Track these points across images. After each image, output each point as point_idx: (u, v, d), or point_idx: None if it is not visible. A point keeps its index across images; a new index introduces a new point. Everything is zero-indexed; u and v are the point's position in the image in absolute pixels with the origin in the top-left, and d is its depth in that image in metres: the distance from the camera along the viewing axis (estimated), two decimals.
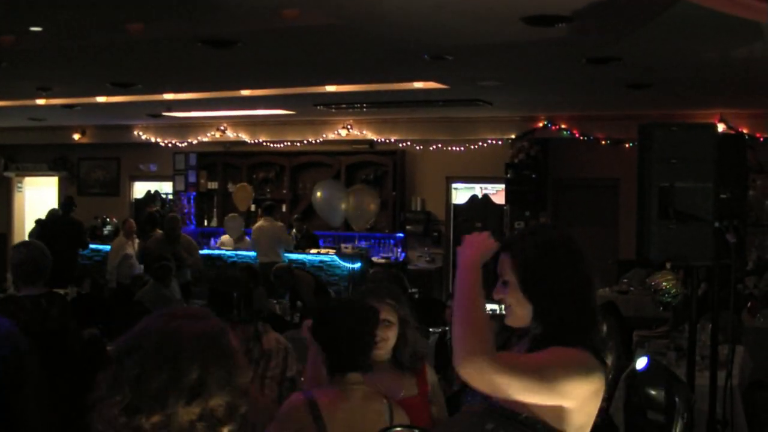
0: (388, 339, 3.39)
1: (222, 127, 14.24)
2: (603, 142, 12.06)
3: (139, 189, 16.16)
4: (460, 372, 2.24)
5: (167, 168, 15.08)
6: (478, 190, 14.27)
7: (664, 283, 6.70)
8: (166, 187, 15.57)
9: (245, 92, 10.62)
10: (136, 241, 11.95)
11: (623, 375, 4.76)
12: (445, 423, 2.54)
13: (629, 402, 4.52)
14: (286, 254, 12.20)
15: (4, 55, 7.90)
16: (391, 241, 13.57)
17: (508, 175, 12.55)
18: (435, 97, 10.53)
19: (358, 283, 11.76)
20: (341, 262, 12.70)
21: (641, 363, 4.47)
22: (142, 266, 10.95)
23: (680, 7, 5.52)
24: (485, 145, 12.82)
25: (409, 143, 13.40)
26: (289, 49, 7.47)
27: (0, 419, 2.87)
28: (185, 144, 14.77)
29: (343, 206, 12.30)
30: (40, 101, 11.51)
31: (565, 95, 10.35)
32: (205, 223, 14.83)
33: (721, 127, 10.61)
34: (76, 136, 15.45)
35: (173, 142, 14.85)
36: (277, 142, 14.09)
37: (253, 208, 14.24)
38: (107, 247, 13.50)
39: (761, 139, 10.93)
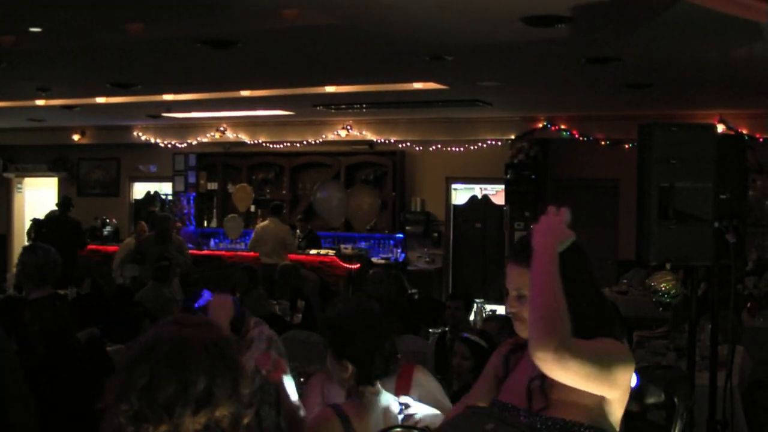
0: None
1: (222, 128, 14.24)
2: (603, 143, 12.07)
3: (139, 190, 16.17)
4: (536, 356, 2.20)
5: (167, 169, 15.08)
6: (477, 190, 14.28)
7: (663, 284, 6.71)
8: (165, 188, 15.58)
9: (245, 93, 10.62)
10: None
11: None
12: (445, 423, 2.53)
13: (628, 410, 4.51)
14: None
15: (3, 56, 7.90)
16: (391, 242, 13.58)
17: (508, 176, 12.55)
18: (434, 98, 10.53)
19: (358, 284, 11.76)
20: (341, 263, 12.70)
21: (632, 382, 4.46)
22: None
23: (680, 8, 5.52)
24: (485, 145, 12.82)
25: (408, 144, 13.40)
26: (289, 50, 7.47)
27: None
28: (185, 145, 14.77)
29: (343, 207, 12.29)
30: (40, 102, 11.51)
31: (564, 95, 10.35)
32: (205, 224, 14.82)
33: (720, 128, 10.61)
34: (76, 137, 15.46)
35: (173, 142, 14.85)
36: (276, 143, 14.09)
37: (252, 208, 14.24)
38: (107, 248, 13.53)
39: (761, 140, 10.93)
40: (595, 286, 2.43)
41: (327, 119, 13.29)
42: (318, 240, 13.28)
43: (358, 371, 2.93)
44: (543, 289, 2.27)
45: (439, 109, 11.61)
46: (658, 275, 6.89)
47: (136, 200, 15.93)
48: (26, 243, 12.78)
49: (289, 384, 3.31)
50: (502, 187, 12.83)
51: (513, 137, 12.55)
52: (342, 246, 13.24)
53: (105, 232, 14.87)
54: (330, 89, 10.17)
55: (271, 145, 14.16)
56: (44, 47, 7.44)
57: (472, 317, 7.56)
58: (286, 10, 6.12)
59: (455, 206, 13.76)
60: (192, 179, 14.80)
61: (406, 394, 3.32)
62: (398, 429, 2.87)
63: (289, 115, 12.97)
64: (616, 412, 2.33)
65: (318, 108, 11.76)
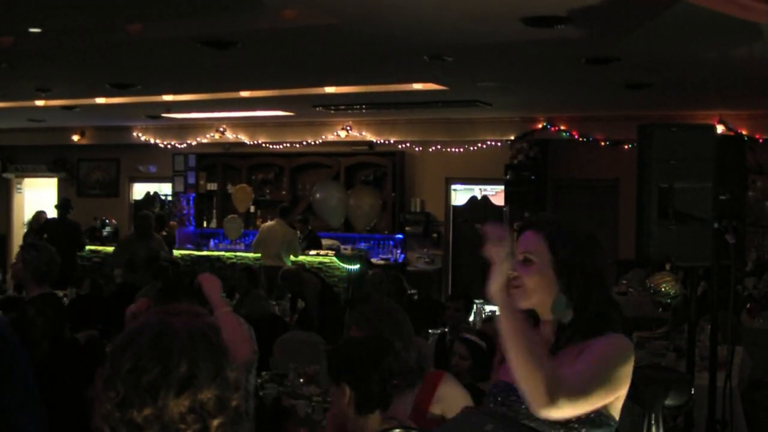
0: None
1: (221, 129, 14.24)
2: (602, 143, 12.07)
3: (139, 190, 16.17)
4: (539, 414, 2.20)
5: (166, 169, 15.08)
6: (477, 191, 14.27)
7: (663, 284, 6.71)
8: (165, 189, 15.58)
9: (244, 93, 10.62)
10: None
11: None
12: (445, 423, 2.53)
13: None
14: None
15: (3, 56, 7.90)
16: (391, 243, 13.57)
17: (508, 176, 12.55)
18: (434, 98, 10.52)
19: (358, 285, 11.76)
20: (340, 264, 12.70)
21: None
22: None
23: (680, 8, 5.52)
24: (484, 146, 12.82)
25: (408, 144, 13.40)
26: (289, 50, 7.47)
27: None
28: (184, 145, 14.77)
29: (343, 207, 12.29)
30: (40, 102, 11.51)
31: (564, 96, 10.35)
32: (205, 225, 14.82)
33: (720, 128, 10.61)
34: (76, 138, 15.46)
35: (172, 143, 14.85)
36: (276, 144, 14.09)
37: (252, 209, 14.24)
38: (107, 249, 13.51)
39: (760, 140, 10.93)
40: (605, 270, 2.45)
41: (326, 120, 13.29)
42: (319, 240, 13.27)
43: (356, 397, 2.84)
44: (515, 351, 2.24)
45: (439, 110, 11.61)
46: (657, 275, 6.89)
47: (136, 201, 15.93)
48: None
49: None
50: (502, 187, 12.83)
51: (513, 138, 12.55)
52: (341, 246, 13.24)
53: (104, 233, 14.87)
54: (330, 90, 10.17)
55: (270, 146, 14.16)
56: (44, 48, 7.44)
57: (471, 318, 7.57)
58: (285, 10, 6.12)
59: (455, 207, 13.76)
60: (191, 180, 14.79)
61: (427, 408, 3.22)
62: (398, 429, 2.86)
63: (288, 116, 12.97)
64: (618, 402, 2.35)
65: (317, 109, 11.75)
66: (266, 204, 14.14)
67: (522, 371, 2.20)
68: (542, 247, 2.41)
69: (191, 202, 14.82)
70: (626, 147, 11.50)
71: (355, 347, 2.97)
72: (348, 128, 13.37)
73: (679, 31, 6.37)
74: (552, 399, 2.14)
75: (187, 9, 6.17)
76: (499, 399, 2.44)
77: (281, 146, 14.09)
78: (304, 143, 13.82)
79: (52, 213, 13.92)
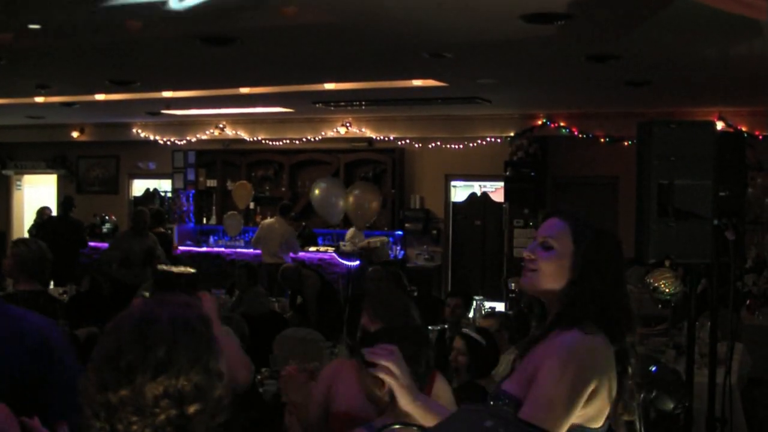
0: None
1: (221, 125, 14.23)
2: (602, 140, 12.06)
3: (138, 187, 16.17)
4: None
5: (166, 166, 15.08)
6: (477, 187, 14.27)
7: (663, 281, 6.71)
8: (165, 185, 15.58)
9: (244, 90, 10.61)
10: None
11: None
12: (444, 421, 2.52)
13: None
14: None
15: (2, 53, 7.89)
16: (390, 239, 13.57)
17: (507, 173, 12.55)
18: (434, 95, 10.52)
19: (357, 281, 11.77)
20: (340, 260, 12.70)
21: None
22: None
23: (679, 5, 5.52)
24: (484, 142, 12.82)
25: (407, 141, 13.40)
26: (288, 47, 7.46)
27: (27, 410, 2.89)
28: (184, 142, 14.77)
29: (342, 204, 12.29)
30: (39, 99, 11.49)
31: (564, 93, 10.34)
32: (204, 221, 14.83)
33: (720, 125, 10.60)
34: (75, 134, 15.45)
35: (172, 139, 14.85)
36: (275, 140, 14.09)
37: (252, 205, 14.24)
38: (106, 245, 13.50)
39: (760, 137, 10.92)
40: (621, 287, 2.47)
41: (326, 116, 13.29)
42: (314, 237, 13.28)
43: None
44: None
45: (439, 107, 11.61)
46: (657, 273, 6.89)
47: (136, 197, 15.93)
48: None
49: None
50: (502, 184, 12.83)
51: (512, 134, 12.55)
52: (341, 243, 13.24)
53: (104, 230, 14.86)
54: (329, 86, 10.16)
55: (270, 143, 14.15)
56: (43, 44, 7.44)
57: (471, 314, 7.57)
58: (285, 7, 6.11)
59: (454, 203, 13.76)
60: (191, 176, 14.80)
61: None
62: (397, 426, 2.87)
63: (288, 113, 12.97)
64: (593, 410, 2.32)
65: (317, 105, 11.75)
66: (266, 201, 14.15)
67: None
68: (566, 235, 2.41)
69: (191, 199, 14.82)
70: (626, 144, 11.50)
71: (407, 331, 3.03)
72: (347, 125, 13.36)
73: (679, 28, 6.37)
74: None
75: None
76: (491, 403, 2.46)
77: (281, 143, 14.08)
78: (304, 140, 13.81)
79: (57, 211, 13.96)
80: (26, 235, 13.88)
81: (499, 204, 13.08)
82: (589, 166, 12.41)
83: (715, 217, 4.45)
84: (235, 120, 14.09)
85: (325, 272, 11.86)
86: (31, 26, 6.70)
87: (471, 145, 12.92)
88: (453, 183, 13.84)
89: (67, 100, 11.71)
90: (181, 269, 3.72)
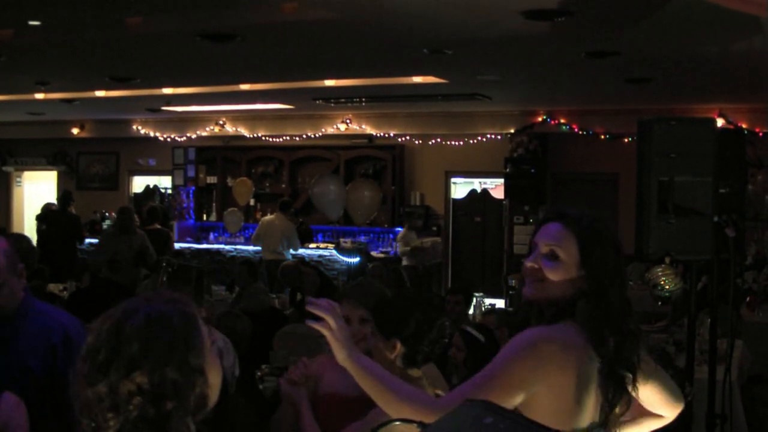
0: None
1: (221, 122, 14.23)
2: (602, 137, 12.06)
3: (138, 183, 16.17)
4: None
5: (166, 162, 15.08)
6: (477, 184, 14.27)
7: (663, 278, 6.70)
8: (165, 182, 15.58)
9: (244, 86, 10.60)
10: None
11: None
12: (443, 417, 2.52)
13: None
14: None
15: (2, 49, 7.89)
16: (390, 236, 13.57)
17: (507, 170, 12.54)
18: (434, 92, 10.51)
19: (357, 278, 11.76)
20: (340, 257, 12.70)
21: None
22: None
23: (680, 2, 5.52)
24: (484, 139, 12.81)
25: (408, 138, 13.40)
26: (288, 44, 7.46)
27: (45, 405, 2.91)
28: (184, 138, 14.76)
29: (342, 200, 12.29)
30: (39, 95, 11.49)
31: (564, 90, 10.34)
32: (204, 218, 14.83)
33: (720, 122, 10.59)
34: (75, 131, 15.45)
35: (172, 136, 14.84)
36: (276, 137, 14.09)
37: (252, 202, 14.24)
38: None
39: (760, 134, 10.92)
40: (624, 284, 2.45)
41: (326, 113, 13.28)
42: (310, 234, 13.27)
43: (405, 352, 2.98)
44: (384, 395, 2.34)
45: (439, 103, 11.60)
46: (657, 269, 6.88)
47: (136, 194, 15.93)
48: (36, 237, 12.77)
49: None
50: (502, 181, 12.82)
51: (512, 131, 12.54)
52: (341, 240, 13.24)
53: (104, 226, 14.85)
54: (329, 83, 10.16)
55: (270, 139, 14.15)
56: (43, 40, 7.43)
57: (471, 311, 7.57)
58: (285, 4, 6.11)
59: (455, 200, 13.76)
60: (191, 173, 14.80)
61: None
62: (397, 422, 2.87)
63: (288, 109, 12.96)
64: (536, 404, 2.27)
65: (317, 102, 11.75)
66: (266, 197, 14.15)
67: (395, 407, 2.30)
68: (572, 245, 2.36)
69: (191, 196, 14.83)
70: (626, 140, 11.50)
71: (413, 303, 3.07)
72: (348, 121, 13.36)
73: (679, 25, 6.36)
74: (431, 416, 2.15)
75: (186, 2, 6.16)
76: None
77: (281, 139, 14.08)
78: (304, 136, 13.80)
79: None
80: (32, 227, 13.88)
81: (499, 201, 13.07)
82: (590, 163, 12.41)
83: (716, 213, 4.44)
84: (235, 116, 14.08)
85: (324, 269, 11.89)
86: (32, 22, 6.69)
87: (471, 141, 12.91)
88: (453, 179, 13.84)
89: (67, 97, 11.71)
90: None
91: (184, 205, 14.77)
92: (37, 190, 16.93)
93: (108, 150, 16.05)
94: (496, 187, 13.69)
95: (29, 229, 15.89)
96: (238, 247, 13.66)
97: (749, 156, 6.04)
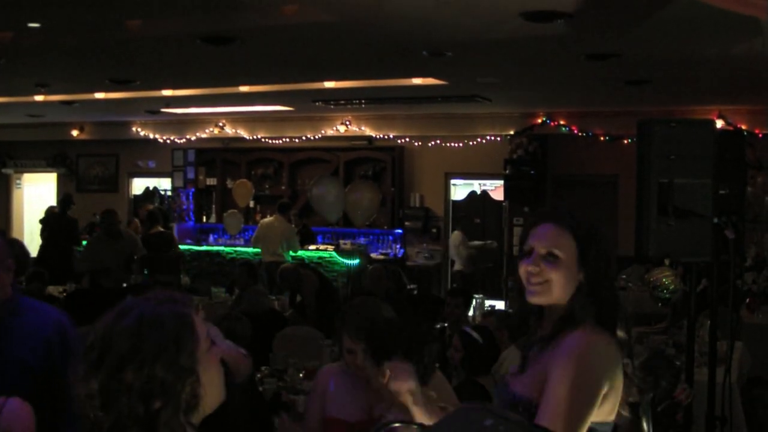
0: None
1: (220, 124, 14.23)
2: (602, 138, 12.06)
3: (138, 185, 16.18)
4: None
5: (166, 164, 15.08)
6: (476, 186, 14.27)
7: (662, 280, 6.71)
8: (164, 184, 15.58)
9: (244, 89, 10.60)
10: None
11: None
12: (443, 419, 2.52)
13: None
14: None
15: (2, 52, 7.89)
16: (390, 238, 13.58)
17: (507, 171, 12.55)
18: (434, 94, 10.52)
19: (357, 280, 11.76)
20: (340, 259, 12.70)
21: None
22: None
23: (679, 4, 5.52)
24: (484, 141, 12.82)
25: (407, 139, 13.40)
26: (288, 46, 7.46)
27: (42, 400, 2.92)
28: (184, 140, 14.76)
29: (341, 202, 12.28)
30: (39, 97, 11.49)
31: (564, 91, 10.34)
32: (204, 220, 14.82)
33: (720, 124, 10.60)
34: (75, 133, 15.45)
35: (172, 138, 14.84)
36: (275, 139, 14.09)
37: (252, 204, 14.24)
38: None
39: (760, 136, 10.92)
40: (612, 276, 2.45)
41: (326, 115, 13.28)
42: (313, 236, 13.27)
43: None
44: None
45: (439, 105, 11.60)
46: (657, 271, 6.89)
47: (135, 196, 15.94)
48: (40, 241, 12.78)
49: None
50: (501, 182, 12.83)
51: (512, 133, 12.55)
52: (341, 241, 13.24)
53: None
54: (329, 85, 10.16)
55: (270, 141, 14.15)
56: (43, 43, 7.43)
57: (471, 313, 7.58)
58: (285, 6, 6.11)
59: (454, 202, 13.77)
60: (191, 175, 14.80)
61: None
62: (397, 424, 2.87)
63: (288, 111, 12.96)
64: (614, 407, 2.34)
65: (317, 104, 11.75)
66: (266, 199, 14.14)
67: None
68: (569, 244, 2.37)
69: (191, 197, 14.82)
70: (626, 142, 11.50)
71: (406, 326, 3.12)
72: (347, 123, 13.36)
73: (678, 27, 6.37)
74: None
75: (186, 5, 6.16)
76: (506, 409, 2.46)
77: (280, 141, 14.08)
78: (304, 138, 13.81)
79: None
80: (31, 229, 13.86)
81: (499, 202, 13.08)
82: (589, 165, 12.41)
83: (715, 215, 4.44)
84: (235, 118, 14.09)
85: (324, 271, 11.89)
86: (31, 25, 6.70)
87: (471, 143, 12.91)
88: (453, 181, 13.84)
89: (66, 99, 11.71)
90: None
91: (184, 207, 14.76)
92: (36, 192, 16.93)
93: (108, 152, 16.05)
94: (495, 189, 13.70)
95: (29, 231, 15.91)
96: (238, 248, 13.65)
97: (749, 158, 6.06)
